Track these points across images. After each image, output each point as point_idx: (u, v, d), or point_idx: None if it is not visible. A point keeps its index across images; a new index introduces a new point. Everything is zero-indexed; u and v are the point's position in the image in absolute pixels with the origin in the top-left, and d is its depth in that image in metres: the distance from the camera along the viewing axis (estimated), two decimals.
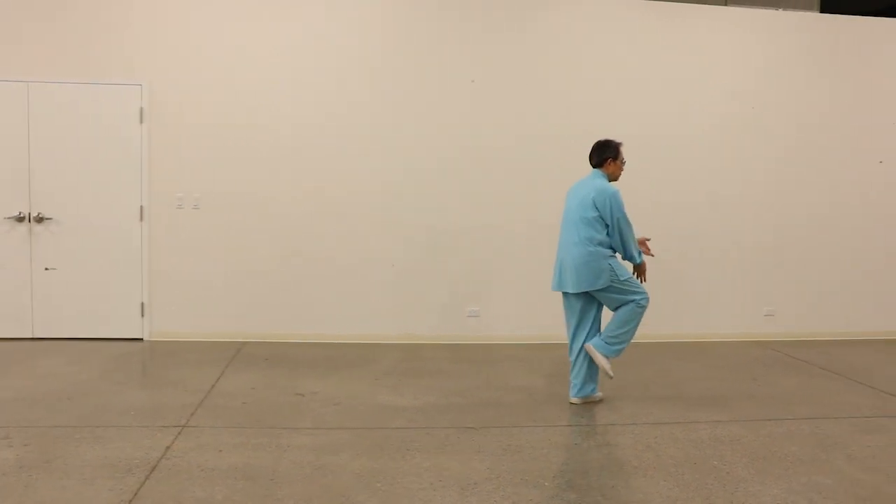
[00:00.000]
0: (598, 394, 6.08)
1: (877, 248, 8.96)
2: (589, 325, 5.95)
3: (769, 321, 8.81)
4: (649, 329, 8.26)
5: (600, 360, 5.78)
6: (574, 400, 5.98)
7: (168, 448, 4.80)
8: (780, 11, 8.78)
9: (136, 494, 4.07)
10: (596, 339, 5.86)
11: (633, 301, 5.76)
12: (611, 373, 5.82)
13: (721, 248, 8.68)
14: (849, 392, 6.54)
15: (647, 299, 5.80)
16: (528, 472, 4.52)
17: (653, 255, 6.39)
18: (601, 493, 4.24)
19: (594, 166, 6.05)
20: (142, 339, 7.99)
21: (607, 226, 5.76)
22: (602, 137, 6.22)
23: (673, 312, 8.42)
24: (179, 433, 5.10)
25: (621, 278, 5.74)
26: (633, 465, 4.68)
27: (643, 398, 6.23)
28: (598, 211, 5.73)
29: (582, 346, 5.91)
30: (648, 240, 6.27)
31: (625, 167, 6.11)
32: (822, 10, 10.27)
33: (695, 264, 8.62)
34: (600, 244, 5.73)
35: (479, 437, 5.15)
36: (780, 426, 5.52)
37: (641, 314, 5.82)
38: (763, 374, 7.14)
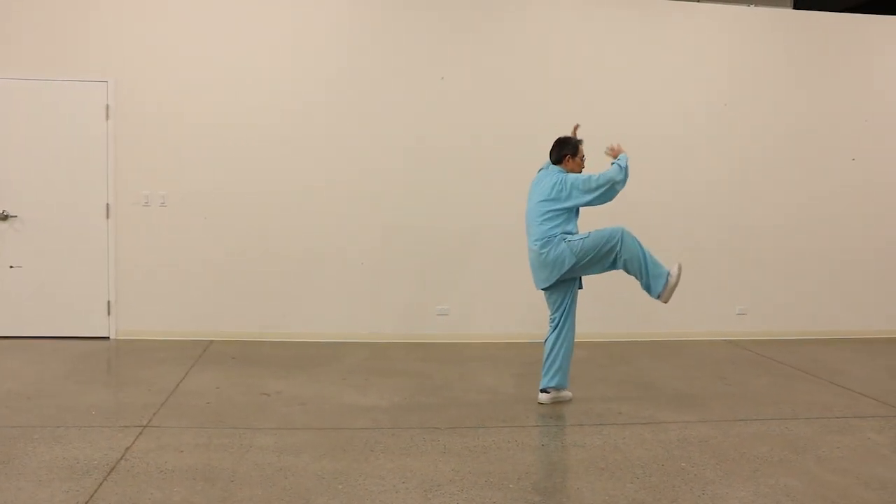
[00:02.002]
0: (568, 394, 6.04)
1: (848, 248, 8.96)
2: (568, 313, 5.89)
3: (741, 320, 8.79)
4: (620, 328, 8.26)
5: (669, 287, 5.69)
6: (543, 399, 5.94)
7: (128, 449, 4.72)
8: (753, 8, 8.76)
9: (92, 496, 3.99)
10: (647, 288, 5.75)
11: (616, 253, 5.64)
12: (676, 270, 5.71)
13: (693, 247, 8.62)
14: (820, 392, 6.54)
15: (624, 233, 5.66)
16: (493, 474, 4.47)
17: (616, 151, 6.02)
18: (566, 496, 4.19)
19: (554, 162, 6.06)
20: (108, 337, 7.87)
21: (576, 209, 5.80)
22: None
23: (645, 311, 8.35)
24: (140, 433, 5.02)
25: (585, 247, 5.63)
26: (599, 467, 4.64)
27: (612, 398, 6.20)
28: (566, 201, 5.71)
29: (558, 338, 5.85)
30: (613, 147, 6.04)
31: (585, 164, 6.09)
32: (795, 7, 10.27)
33: (666, 263, 8.55)
34: (556, 234, 5.68)
35: (444, 438, 5.10)
36: (749, 426, 5.50)
37: (636, 243, 5.67)
38: (734, 374, 7.12)
